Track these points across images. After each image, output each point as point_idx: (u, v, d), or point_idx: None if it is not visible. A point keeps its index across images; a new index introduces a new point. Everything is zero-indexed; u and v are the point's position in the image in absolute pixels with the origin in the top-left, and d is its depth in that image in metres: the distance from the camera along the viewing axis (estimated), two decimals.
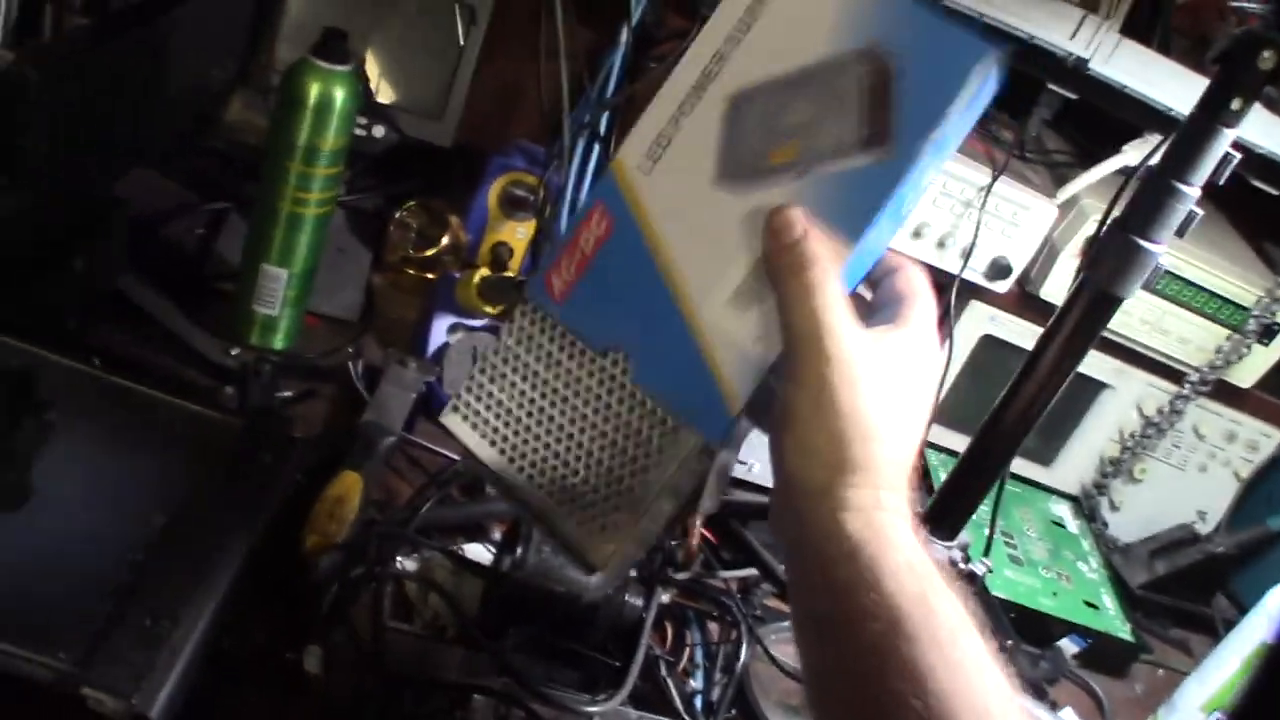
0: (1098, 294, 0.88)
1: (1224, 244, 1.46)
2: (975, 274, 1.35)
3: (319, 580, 0.99)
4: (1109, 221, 0.87)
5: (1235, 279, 1.37)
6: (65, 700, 0.64)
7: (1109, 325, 1.36)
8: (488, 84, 1.49)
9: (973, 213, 1.30)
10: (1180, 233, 0.86)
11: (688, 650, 1.09)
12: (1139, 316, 1.39)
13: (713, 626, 1.13)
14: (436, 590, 0.97)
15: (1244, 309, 1.38)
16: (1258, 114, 1.24)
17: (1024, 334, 1.41)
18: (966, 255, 1.32)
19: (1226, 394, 1.48)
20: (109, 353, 1.14)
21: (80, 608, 0.69)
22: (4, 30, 0.90)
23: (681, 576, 1.13)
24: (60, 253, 0.98)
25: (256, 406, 1.02)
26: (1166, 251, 0.84)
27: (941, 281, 1.37)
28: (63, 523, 0.75)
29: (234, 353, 1.21)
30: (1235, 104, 0.80)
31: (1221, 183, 0.84)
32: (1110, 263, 0.87)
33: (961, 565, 0.98)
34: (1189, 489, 1.54)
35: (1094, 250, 0.88)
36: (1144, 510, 1.50)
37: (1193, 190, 0.84)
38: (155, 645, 0.68)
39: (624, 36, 1.36)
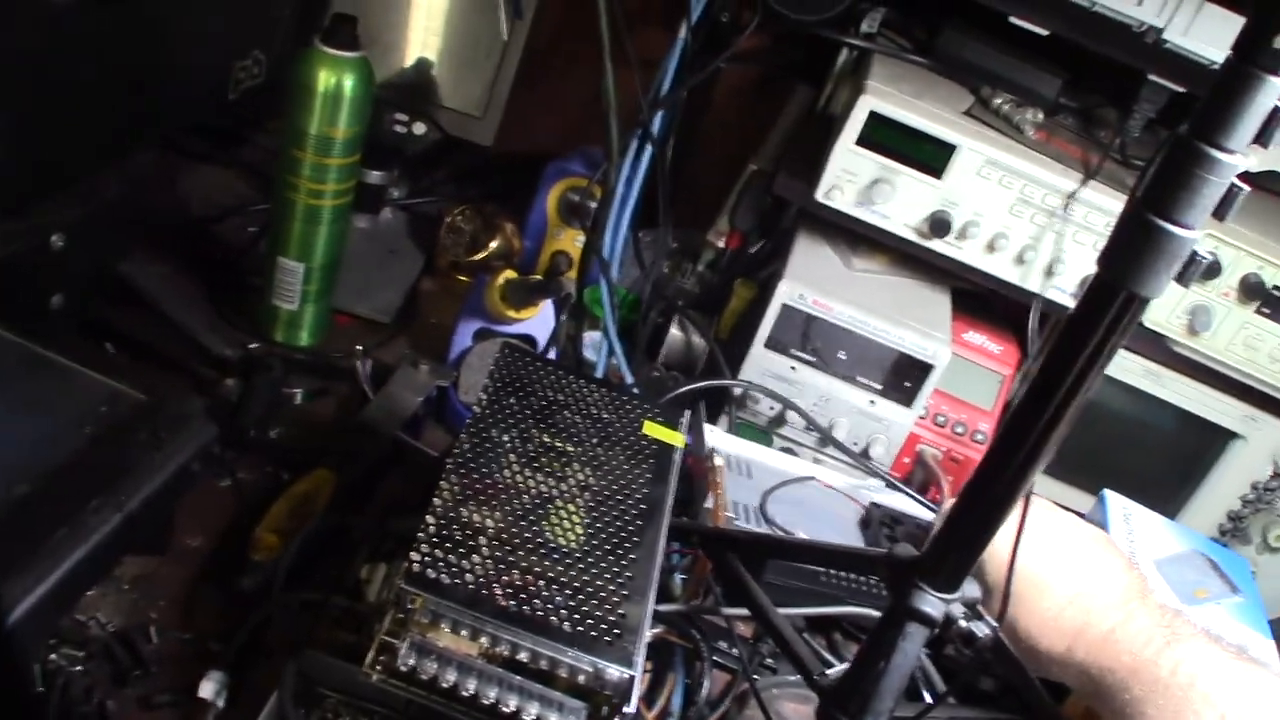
0: (1115, 292, 0.72)
1: None
2: (1063, 295, 1.18)
3: (252, 587, 0.93)
4: (1128, 201, 0.71)
5: None
6: None
7: (1234, 364, 1.20)
8: (549, 86, 1.42)
9: (1057, 223, 1.14)
10: (1220, 214, 0.69)
11: (665, 693, 0.97)
12: (1268, 352, 1.18)
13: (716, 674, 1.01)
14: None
15: None
16: None
17: (1127, 366, 1.22)
18: (1048, 272, 1.16)
19: None
20: (121, 337, 1.14)
21: None
22: None
23: (672, 608, 1.01)
24: (35, 229, 0.96)
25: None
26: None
27: (1021, 302, 1.21)
28: None
29: (252, 346, 1.18)
30: None
31: (1269, 146, 0.66)
32: (1127, 252, 0.71)
33: (961, 624, 0.82)
34: None
35: (1110, 237, 0.72)
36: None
37: (1231, 158, 0.67)
38: None
39: (682, 34, 1.27)
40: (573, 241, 1.39)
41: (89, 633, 0.87)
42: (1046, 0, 1.06)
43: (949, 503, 1.24)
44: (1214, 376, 1.23)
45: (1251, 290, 1.14)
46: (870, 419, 1.24)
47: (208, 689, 0.86)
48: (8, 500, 0.71)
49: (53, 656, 0.83)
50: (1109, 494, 1.26)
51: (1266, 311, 1.16)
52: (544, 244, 1.41)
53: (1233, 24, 1.01)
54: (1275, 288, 1.14)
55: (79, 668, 0.85)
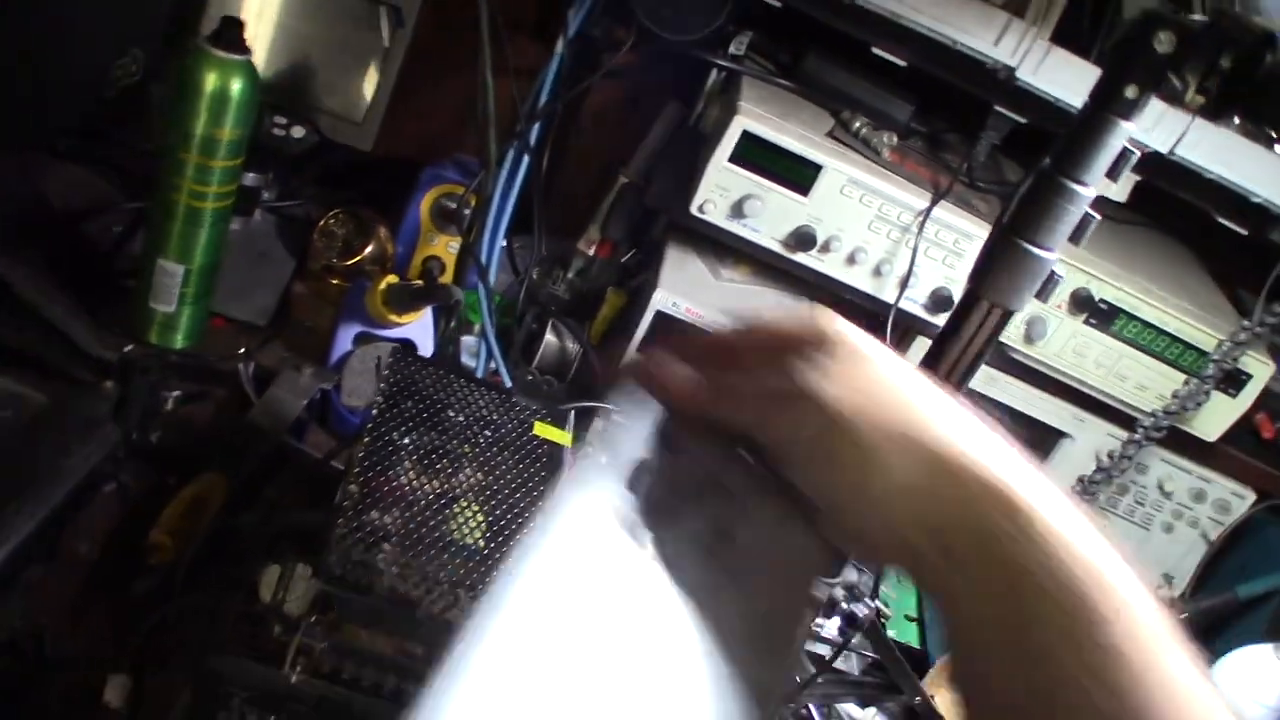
0: (984, 307, 0.80)
1: (1191, 286, 1.37)
2: (915, 305, 1.28)
3: (146, 592, 0.93)
4: (996, 226, 0.80)
5: (1198, 322, 1.28)
6: None
7: (1065, 370, 1.32)
8: (425, 93, 1.44)
9: (911, 239, 1.23)
10: (1075, 239, 0.79)
11: None
12: (1094, 359, 1.30)
13: None
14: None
15: (1207, 355, 1.28)
16: (1228, 143, 1.17)
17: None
18: (903, 284, 1.25)
19: (1195, 449, 1.38)
20: None
21: None
22: None
23: None
24: None
25: (78, 391, 0.95)
26: (1074, 266, 0.76)
27: (878, 313, 1.30)
28: None
29: (127, 349, 1.16)
30: (1130, 92, 0.73)
31: (1117, 181, 0.76)
32: (996, 271, 0.79)
33: (843, 605, 0.89)
34: (1153, 550, 1.43)
35: (979, 258, 0.80)
36: None
37: (1086, 190, 0.76)
38: None
39: (559, 48, 1.32)
40: (445, 247, 1.41)
41: None
42: (908, 34, 1.15)
43: None
44: (1047, 381, 1.35)
45: (1081, 303, 1.26)
46: None
47: (112, 694, 0.86)
48: None
49: None
50: None
51: (1094, 322, 1.28)
52: (416, 249, 1.42)
53: (1075, 67, 1.12)
54: (1102, 301, 1.26)
55: None
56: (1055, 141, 0.76)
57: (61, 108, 1.10)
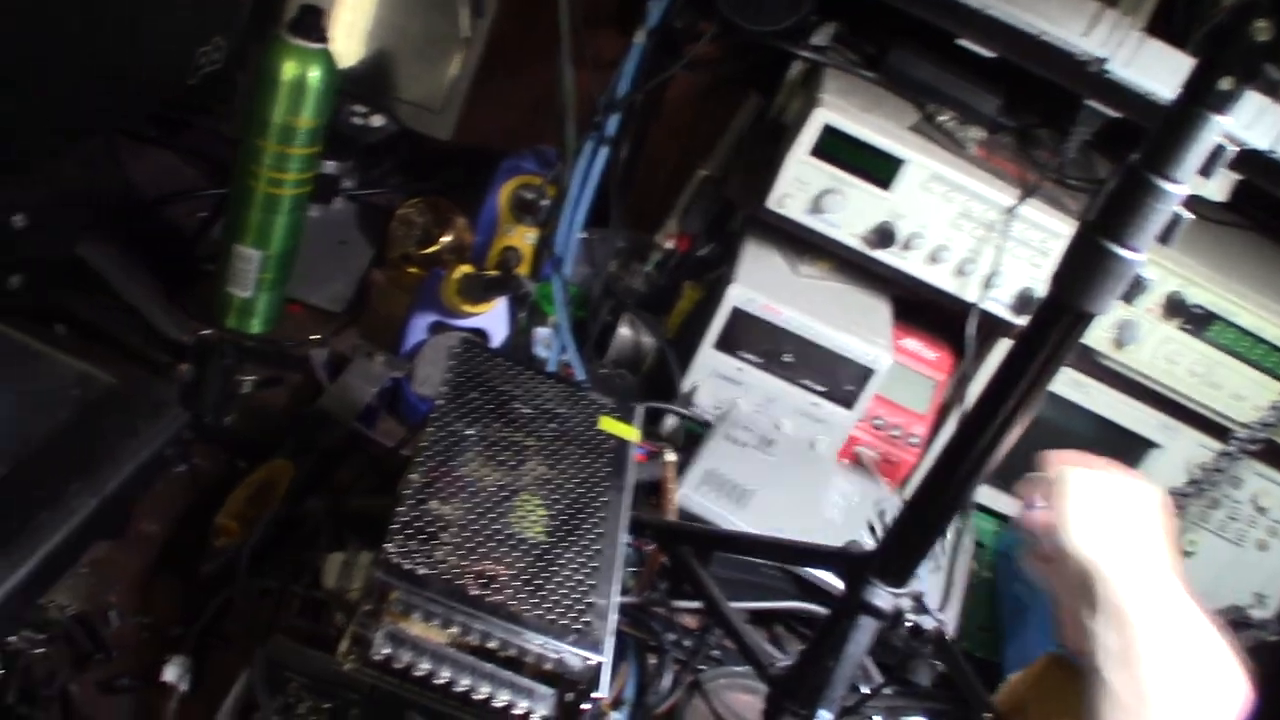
0: (1065, 310, 0.77)
1: None
2: (999, 305, 1.24)
3: (211, 574, 0.94)
4: (1080, 225, 0.76)
5: None
6: None
7: (1156, 377, 1.26)
8: (504, 83, 1.44)
9: (996, 238, 1.19)
10: (1165, 239, 0.74)
11: (619, 682, 1.00)
12: (1187, 367, 1.25)
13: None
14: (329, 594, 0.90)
15: None
16: None
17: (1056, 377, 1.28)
18: (986, 284, 1.21)
19: None
20: (73, 319, 1.13)
21: None
22: None
23: (625, 600, 1.04)
24: None
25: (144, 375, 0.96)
26: (1172, 272, 0.72)
27: (960, 311, 1.26)
28: None
29: (203, 333, 1.18)
30: (1225, 84, 0.68)
31: (1210, 178, 0.72)
32: (1079, 273, 0.75)
33: (910, 617, 0.86)
34: (1245, 567, 1.37)
35: (1061, 259, 0.76)
36: (1193, 587, 1.33)
37: (1177, 187, 0.72)
38: None
39: (640, 39, 1.30)
40: (522, 238, 1.41)
41: (48, 616, 0.87)
42: (995, 25, 1.11)
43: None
44: (1136, 388, 1.30)
45: (1174, 308, 1.21)
46: (812, 420, 1.28)
47: (171, 673, 0.87)
48: None
49: (12, 639, 0.83)
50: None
51: (1188, 328, 1.23)
52: (494, 239, 1.42)
53: (1170, 58, 1.07)
54: (1197, 306, 1.21)
55: (39, 650, 0.85)
56: (1144, 136, 0.72)
57: (143, 93, 1.11)
